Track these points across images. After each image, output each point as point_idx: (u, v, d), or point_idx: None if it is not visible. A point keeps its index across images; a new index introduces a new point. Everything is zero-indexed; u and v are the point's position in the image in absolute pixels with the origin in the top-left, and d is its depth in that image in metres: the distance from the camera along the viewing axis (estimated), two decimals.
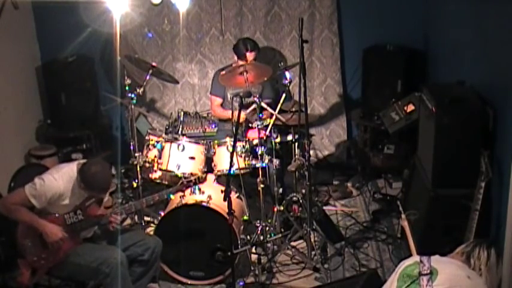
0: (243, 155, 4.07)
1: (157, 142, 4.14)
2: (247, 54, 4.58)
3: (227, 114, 4.62)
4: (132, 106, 4.35)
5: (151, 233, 4.01)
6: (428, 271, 2.38)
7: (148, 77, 4.42)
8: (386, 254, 4.21)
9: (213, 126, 4.67)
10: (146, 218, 4.55)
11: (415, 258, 2.49)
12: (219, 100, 4.84)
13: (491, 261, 2.43)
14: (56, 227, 3.28)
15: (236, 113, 3.49)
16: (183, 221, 3.82)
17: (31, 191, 3.25)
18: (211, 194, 3.92)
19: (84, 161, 3.44)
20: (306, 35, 5.16)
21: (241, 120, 4.14)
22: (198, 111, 5.13)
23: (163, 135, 4.19)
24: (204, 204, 3.84)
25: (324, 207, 4.75)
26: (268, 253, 4.10)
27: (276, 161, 4.16)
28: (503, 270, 2.90)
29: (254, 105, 4.13)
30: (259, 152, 4.02)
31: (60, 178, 3.32)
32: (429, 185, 3.63)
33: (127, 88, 4.39)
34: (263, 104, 4.13)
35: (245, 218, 4.18)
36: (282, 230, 4.23)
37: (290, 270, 4.03)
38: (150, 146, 4.18)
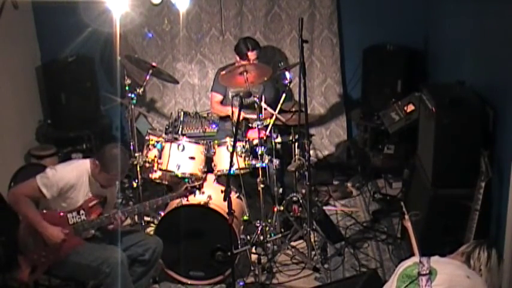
0: (243, 155, 4.07)
1: (157, 142, 4.14)
2: (249, 53, 4.57)
3: (226, 110, 4.61)
4: (132, 106, 4.35)
5: (152, 233, 4.01)
6: (428, 271, 2.38)
7: (148, 77, 4.42)
8: (386, 254, 4.21)
9: (213, 126, 4.67)
10: (146, 218, 4.55)
11: (415, 258, 2.49)
12: (219, 97, 4.82)
13: (492, 262, 2.43)
14: (57, 229, 3.27)
15: (236, 113, 3.49)
16: (183, 221, 3.83)
17: (43, 180, 3.26)
18: (211, 194, 3.92)
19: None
20: (306, 35, 5.16)
21: (240, 119, 4.14)
22: (198, 111, 5.13)
23: (163, 135, 4.20)
24: (204, 204, 3.84)
25: (324, 207, 4.75)
26: (268, 253, 4.10)
27: (276, 161, 4.16)
28: (503, 270, 2.90)
29: (254, 116, 4.12)
30: (259, 152, 4.02)
31: (73, 170, 3.36)
32: (429, 185, 3.63)
33: (127, 88, 4.39)
34: (263, 104, 4.14)
35: (245, 218, 4.19)
36: (282, 230, 4.23)
37: (290, 270, 4.04)
38: (150, 146, 4.18)
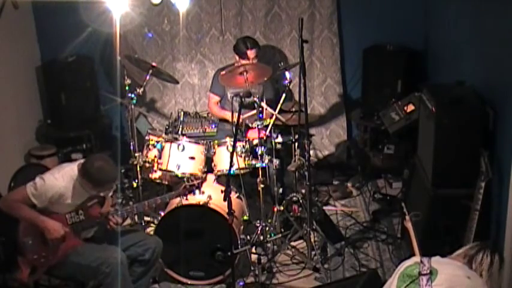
0: (243, 155, 4.07)
1: (157, 142, 4.14)
2: (249, 52, 4.57)
3: (223, 114, 4.63)
4: (132, 106, 4.36)
5: (152, 233, 4.01)
6: (428, 271, 2.38)
7: (148, 77, 4.43)
8: (386, 254, 4.21)
9: (213, 126, 4.67)
10: (146, 218, 4.55)
11: (416, 258, 2.49)
12: (216, 98, 4.84)
13: (493, 267, 2.43)
14: (58, 223, 3.27)
15: (235, 114, 3.49)
16: (183, 221, 3.83)
17: (32, 190, 3.25)
18: (211, 194, 3.92)
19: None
20: (306, 35, 5.16)
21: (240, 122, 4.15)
22: (198, 111, 5.13)
23: (163, 135, 4.19)
24: (203, 204, 3.84)
25: (324, 207, 4.75)
26: (268, 253, 4.10)
27: (276, 161, 4.16)
28: (503, 270, 2.90)
29: (254, 111, 4.12)
30: (259, 152, 4.02)
31: (61, 178, 3.31)
32: (429, 185, 3.63)
33: (127, 88, 4.39)
34: (263, 104, 4.14)
35: (245, 218, 4.19)
36: (282, 230, 4.23)
37: (290, 270, 4.04)
38: (150, 146, 4.18)
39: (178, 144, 4.07)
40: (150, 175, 4.24)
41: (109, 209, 3.51)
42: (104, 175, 3.32)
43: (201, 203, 3.85)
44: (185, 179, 3.84)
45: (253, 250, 4.06)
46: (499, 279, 2.46)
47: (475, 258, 2.45)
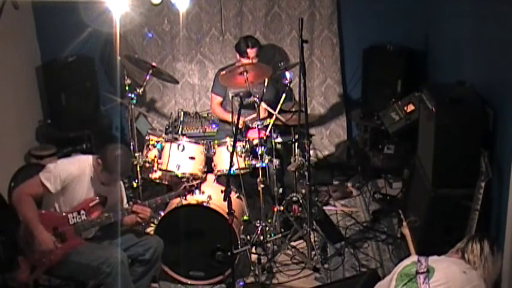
0: (243, 155, 4.07)
1: (157, 142, 4.14)
2: (249, 50, 4.58)
3: (226, 116, 4.63)
4: (132, 106, 4.36)
5: (152, 233, 4.01)
6: (425, 269, 2.40)
7: (148, 77, 4.43)
8: (386, 254, 4.21)
9: (213, 126, 4.67)
10: None
11: (413, 258, 2.51)
12: (219, 99, 4.84)
13: (485, 252, 2.45)
14: (50, 237, 3.25)
15: (235, 114, 3.49)
16: (183, 221, 3.83)
17: (45, 175, 3.28)
18: (211, 194, 3.92)
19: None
20: (306, 35, 5.16)
21: (240, 125, 4.15)
22: (198, 111, 5.13)
23: (163, 135, 4.19)
24: (204, 204, 3.84)
25: (324, 207, 4.75)
26: (268, 253, 4.10)
27: (276, 161, 4.16)
28: (503, 269, 2.90)
29: (254, 115, 4.12)
30: (259, 152, 4.02)
31: (75, 163, 3.41)
32: (429, 185, 3.63)
33: (127, 88, 4.40)
34: (263, 105, 4.14)
35: (245, 218, 4.19)
36: (282, 230, 4.23)
37: (290, 270, 4.03)
38: (150, 146, 4.18)
39: (178, 144, 4.07)
40: (150, 175, 4.24)
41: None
42: (117, 164, 3.35)
43: (201, 203, 3.85)
44: (185, 179, 3.84)
45: (253, 250, 4.06)
46: (494, 264, 2.48)
47: (465, 249, 2.49)
